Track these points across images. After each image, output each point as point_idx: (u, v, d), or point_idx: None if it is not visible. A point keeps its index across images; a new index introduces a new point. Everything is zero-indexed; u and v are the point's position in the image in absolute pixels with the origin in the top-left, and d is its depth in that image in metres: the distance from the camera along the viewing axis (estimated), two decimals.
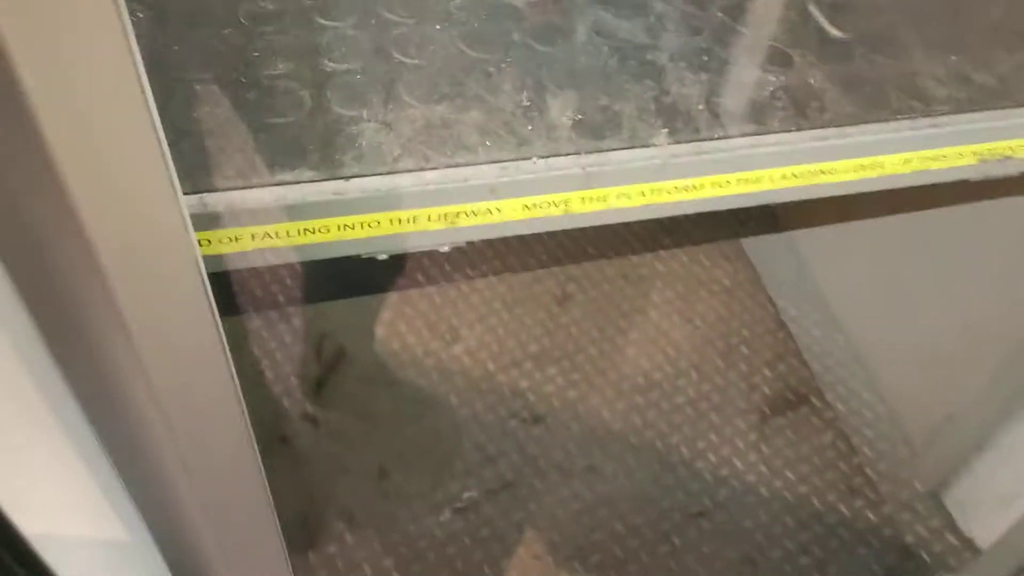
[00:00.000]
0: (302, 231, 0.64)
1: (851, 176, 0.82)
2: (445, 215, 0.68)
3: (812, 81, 0.85)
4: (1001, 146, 0.86)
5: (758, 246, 1.87)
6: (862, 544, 1.47)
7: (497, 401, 1.62)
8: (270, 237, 0.61)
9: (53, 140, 0.27)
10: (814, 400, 1.64)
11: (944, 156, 0.83)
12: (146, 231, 0.32)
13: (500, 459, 1.55)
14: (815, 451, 1.57)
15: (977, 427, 1.41)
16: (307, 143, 0.69)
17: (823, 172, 0.80)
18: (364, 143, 0.70)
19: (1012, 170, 0.88)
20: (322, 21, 0.83)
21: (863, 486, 1.53)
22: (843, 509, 1.50)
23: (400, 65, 0.79)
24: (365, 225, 0.65)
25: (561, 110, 0.77)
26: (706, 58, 0.86)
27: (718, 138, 0.76)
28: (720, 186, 0.77)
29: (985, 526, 1.42)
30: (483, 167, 0.69)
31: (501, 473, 1.53)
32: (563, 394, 1.63)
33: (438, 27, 0.83)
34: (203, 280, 0.35)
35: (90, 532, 0.45)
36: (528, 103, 0.77)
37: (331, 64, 0.79)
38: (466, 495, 1.51)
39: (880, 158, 0.83)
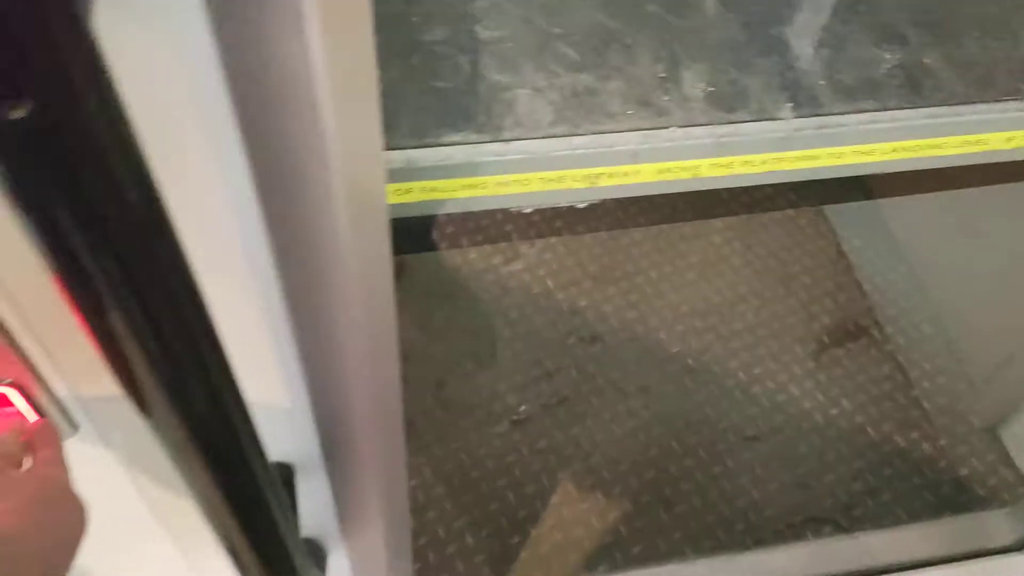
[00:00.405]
0: (464, 187, 0.71)
1: (956, 151, 0.85)
2: (587, 176, 0.75)
3: (927, 60, 0.89)
4: None
5: None
6: (916, 474, 1.48)
7: (556, 318, 1.63)
8: (436, 191, 0.70)
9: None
10: (873, 332, 1.64)
11: None
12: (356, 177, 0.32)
13: (557, 375, 1.57)
14: (872, 382, 1.57)
15: None
16: (469, 108, 0.75)
17: (931, 147, 0.84)
18: (519, 108, 0.76)
19: None
20: None
21: (919, 419, 1.53)
22: (898, 440, 1.51)
23: (547, 33, 0.83)
24: (518, 183, 0.73)
25: (694, 82, 0.82)
26: (827, 34, 0.89)
27: (838, 113, 0.80)
28: (836, 157, 0.81)
29: None
30: (628, 134, 0.75)
31: (558, 388, 1.55)
32: (621, 314, 1.64)
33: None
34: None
35: (263, 398, 0.46)
36: (664, 74, 0.81)
37: (484, 31, 0.83)
38: (523, 408, 1.53)
39: (986, 135, 0.85)
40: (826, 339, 1.61)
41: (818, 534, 1.41)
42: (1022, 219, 1.41)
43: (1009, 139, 0.86)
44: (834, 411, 1.53)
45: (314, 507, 0.58)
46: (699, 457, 1.48)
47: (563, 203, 0.77)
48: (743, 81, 0.82)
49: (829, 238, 1.77)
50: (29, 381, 0.41)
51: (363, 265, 0.40)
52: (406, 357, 1.69)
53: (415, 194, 0.69)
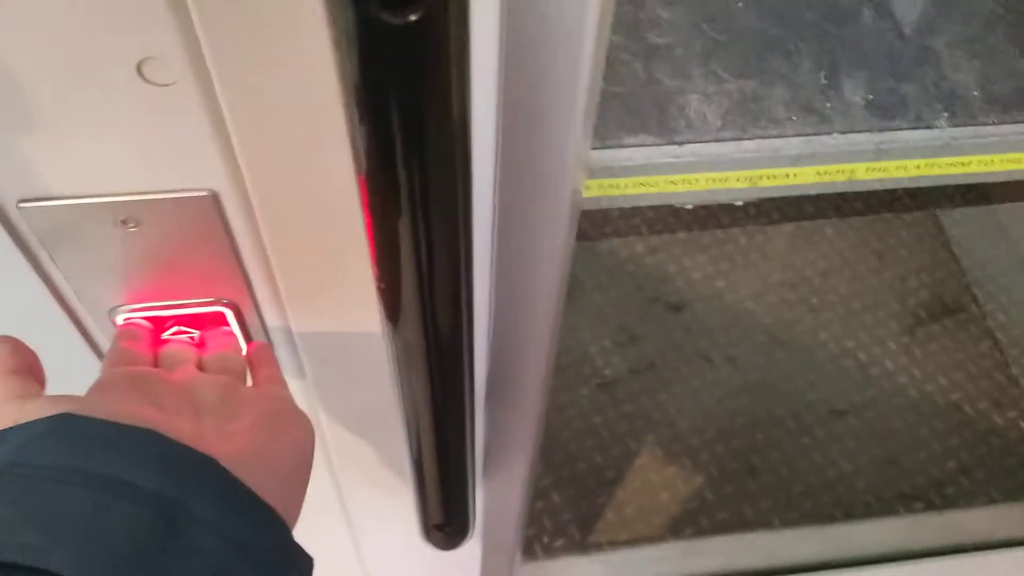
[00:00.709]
0: (637, 184, 0.78)
1: None
2: (750, 177, 0.80)
3: None
4: None
5: None
6: (1011, 454, 1.45)
7: (644, 283, 1.62)
8: (613, 188, 0.77)
9: None
10: (971, 307, 1.60)
11: None
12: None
13: (645, 340, 1.57)
14: (969, 359, 1.54)
15: None
16: (644, 112, 0.82)
17: None
18: (690, 113, 0.82)
19: None
20: None
21: (1018, 398, 1.50)
22: (995, 418, 1.48)
23: (712, 40, 0.88)
24: (686, 182, 0.80)
25: (854, 89, 0.86)
26: (979, 45, 0.92)
27: (992, 123, 0.84)
28: (985, 164, 0.86)
29: None
30: (791, 139, 0.80)
31: (645, 354, 1.55)
32: (711, 282, 1.62)
33: (740, 4, 0.91)
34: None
35: None
36: (825, 81, 0.86)
37: (656, 38, 0.89)
38: (608, 371, 1.54)
39: None
40: (922, 313, 1.58)
41: (909, 510, 1.39)
42: None
43: None
44: (929, 387, 1.50)
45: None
46: (787, 428, 1.47)
47: (724, 200, 0.82)
48: (900, 90, 0.86)
49: (927, 210, 1.72)
50: (246, 304, 0.43)
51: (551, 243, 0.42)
52: None
53: (593, 190, 0.77)
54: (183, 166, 0.37)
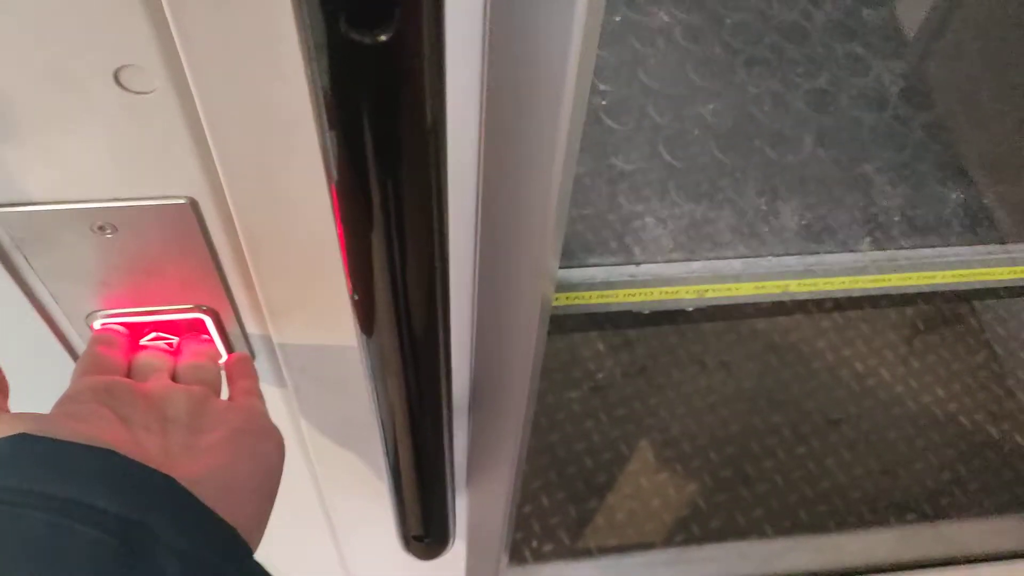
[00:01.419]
0: (599, 296, 0.90)
1: (1002, 277, 1.03)
2: (698, 290, 0.94)
3: (985, 201, 1.03)
4: None
5: None
6: (1007, 467, 1.44)
7: None
8: (578, 299, 0.88)
9: None
10: (970, 319, 1.59)
11: None
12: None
13: (638, 344, 1.56)
14: (967, 370, 1.53)
15: None
16: (606, 234, 0.93)
17: (984, 275, 1.01)
18: (645, 236, 0.93)
19: None
20: (609, 123, 1.02)
21: (1015, 410, 1.49)
22: (991, 431, 1.47)
23: (670, 166, 0.99)
24: (642, 294, 0.91)
25: (790, 216, 0.97)
26: (906, 172, 1.02)
27: (909, 248, 0.96)
28: (903, 280, 0.98)
29: None
30: (732, 261, 0.93)
31: (638, 358, 1.55)
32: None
33: (697, 132, 1.01)
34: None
35: None
36: (765, 208, 0.96)
37: (618, 163, 1.00)
38: (602, 375, 1.53)
39: None
40: (920, 324, 1.57)
41: (901, 521, 1.39)
42: None
43: None
44: (926, 398, 1.50)
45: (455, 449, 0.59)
46: (782, 436, 1.47)
47: (675, 308, 0.93)
48: (830, 216, 0.96)
49: None
50: (225, 311, 0.42)
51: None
52: None
53: (561, 301, 0.88)
54: (161, 173, 0.36)
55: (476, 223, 0.39)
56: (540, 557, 1.36)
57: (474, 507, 0.69)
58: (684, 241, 0.93)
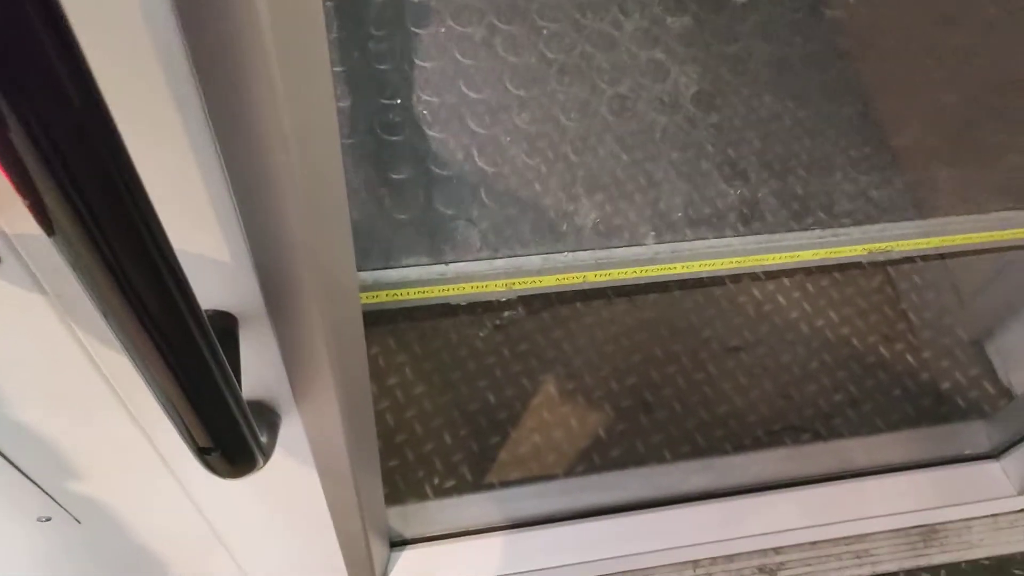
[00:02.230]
0: (416, 293, 1.06)
1: (775, 262, 1.20)
2: (505, 284, 1.09)
3: (759, 195, 1.19)
4: (882, 246, 1.27)
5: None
6: (898, 386, 1.47)
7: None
8: (397, 296, 1.02)
9: None
10: (935, 160, 1.60)
11: (840, 252, 1.22)
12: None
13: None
14: (861, 294, 1.55)
15: None
16: (421, 237, 1.07)
17: (757, 261, 1.20)
18: (457, 236, 1.08)
19: (893, 257, 1.28)
20: (429, 132, 1.14)
21: (906, 331, 1.52)
22: (883, 352, 1.50)
23: (481, 171, 1.12)
24: (455, 289, 1.07)
25: (586, 214, 1.13)
26: (690, 171, 1.18)
27: (688, 240, 1.13)
28: (685, 267, 1.15)
29: None
30: (533, 258, 1.08)
31: (543, 293, 1.53)
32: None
33: (508, 139, 1.15)
34: None
35: (195, 242, 0.43)
36: (565, 206, 1.12)
37: (435, 169, 1.12)
38: (508, 313, 1.52)
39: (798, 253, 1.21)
40: (875, 166, 1.58)
41: (796, 441, 1.41)
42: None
43: (815, 254, 1.23)
44: (820, 322, 1.52)
45: (262, 365, 0.57)
46: (681, 364, 1.48)
47: (488, 299, 1.07)
48: (621, 214, 1.11)
49: None
50: None
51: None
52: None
53: (381, 298, 1.03)
54: None
55: None
56: (441, 493, 1.35)
57: (311, 426, 0.66)
58: (491, 242, 1.04)
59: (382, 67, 1.13)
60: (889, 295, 1.57)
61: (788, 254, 1.09)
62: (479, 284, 1.00)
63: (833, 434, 1.41)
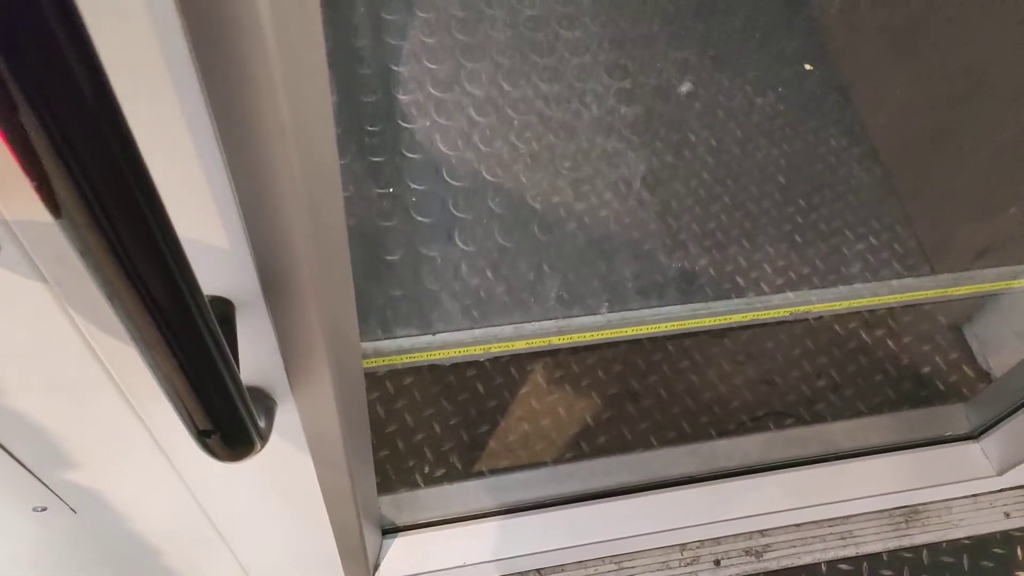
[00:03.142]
0: (408, 358, 1.22)
1: (709, 324, 1.35)
2: (483, 348, 1.23)
3: (699, 269, 1.35)
4: (801, 308, 1.39)
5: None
6: (879, 371, 1.50)
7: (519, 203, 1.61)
8: (392, 361, 1.21)
9: None
10: (846, 232, 1.63)
11: (771, 312, 1.38)
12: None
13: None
14: (841, 280, 1.58)
15: (1009, 261, 1.40)
16: (412, 310, 1.23)
17: (695, 323, 1.35)
18: (442, 308, 1.24)
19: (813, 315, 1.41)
20: (417, 217, 1.30)
21: (886, 316, 1.55)
22: (864, 337, 1.53)
23: (462, 251, 1.28)
24: (441, 354, 1.23)
25: (550, 288, 1.28)
26: (638, 247, 1.32)
27: (634, 309, 1.29)
28: (635, 331, 1.30)
29: (1003, 360, 1.44)
30: (505, 327, 1.25)
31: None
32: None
33: (484, 221, 1.30)
34: None
35: (194, 228, 0.44)
36: (532, 281, 1.27)
37: (423, 249, 1.28)
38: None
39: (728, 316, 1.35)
40: (797, 238, 1.61)
41: (780, 426, 1.43)
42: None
43: (744, 316, 1.38)
44: (802, 308, 1.54)
45: (258, 351, 0.57)
46: (667, 351, 1.50)
47: (469, 360, 1.24)
48: (580, 286, 1.27)
49: None
50: None
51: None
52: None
53: (379, 362, 1.21)
54: None
55: None
56: (432, 482, 1.36)
57: (307, 414, 0.67)
58: (471, 314, 1.21)
59: (376, 159, 1.32)
60: (869, 281, 1.59)
61: (720, 318, 1.26)
62: (461, 350, 1.17)
63: (816, 418, 1.44)
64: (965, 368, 1.51)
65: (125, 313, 0.39)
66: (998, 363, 1.45)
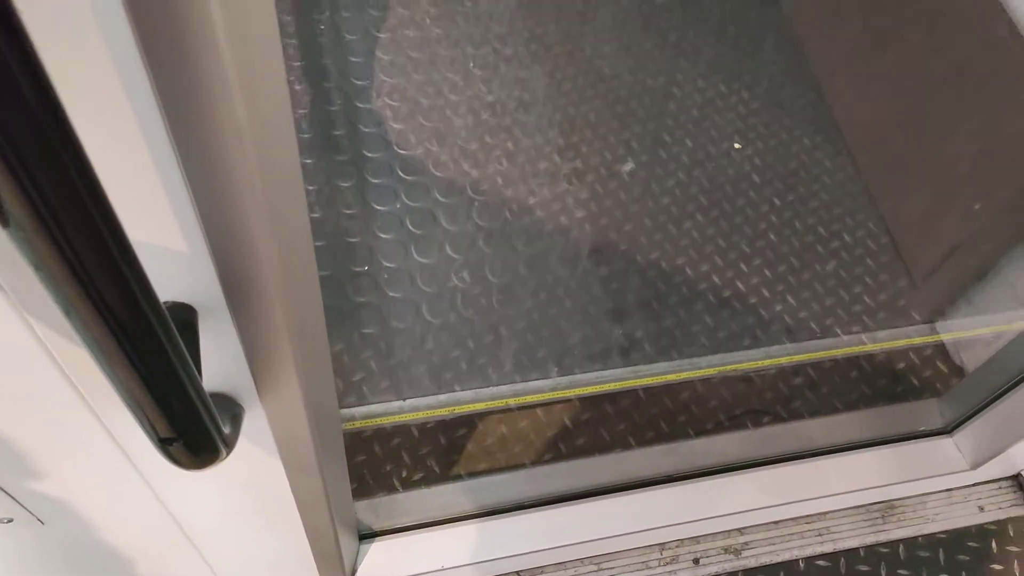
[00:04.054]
0: (382, 420, 1.34)
1: (648, 383, 1.44)
2: (448, 408, 1.36)
3: (640, 334, 1.46)
4: (729, 367, 1.47)
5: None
6: (854, 368, 1.51)
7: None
8: (367, 423, 1.34)
9: None
10: (820, 229, 1.65)
11: (696, 374, 1.45)
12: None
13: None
14: (816, 279, 1.59)
15: (982, 258, 1.42)
16: (383, 379, 1.36)
17: (637, 383, 1.44)
18: (412, 374, 1.37)
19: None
20: (390, 293, 1.44)
21: (861, 314, 1.56)
22: (839, 334, 1.54)
23: (429, 324, 1.41)
24: (412, 415, 1.34)
25: (505, 356, 1.40)
26: (584, 316, 1.45)
27: (578, 373, 1.42)
28: (580, 391, 1.42)
29: (976, 355, 1.46)
30: (466, 392, 1.38)
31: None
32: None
33: (448, 295, 1.43)
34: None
35: (152, 234, 0.44)
36: (491, 348, 1.39)
37: (395, 323, 1.41)
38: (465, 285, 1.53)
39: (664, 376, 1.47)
40: (772, 236, 1.62)
41: (757, 424, 1.44)
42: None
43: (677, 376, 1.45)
44: (778, 307, 1.55)
45: (223, 357, 0.57)
46: (644, 352, 1.50)
47: (435, 420, 1.35)
48: (533, 352, 1.41)
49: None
50: None
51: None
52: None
53: (358, 424, 1.32)
54: None
55: None
56: (410, 486, 1.36)
57: (274, 420, 0.67)
58: (436, 380, 1.35)
59: (352, 240, 1.45)
60: (844, 279, 1.60)
61: (658, 377, 1.41)
62: (430, 412, 1.31)
63: (793, 416, 1.45)
64: (939, 364, 1.52)
65: (78, 320, 0.39)
66: (971, 358, 1.47)
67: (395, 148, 1.59)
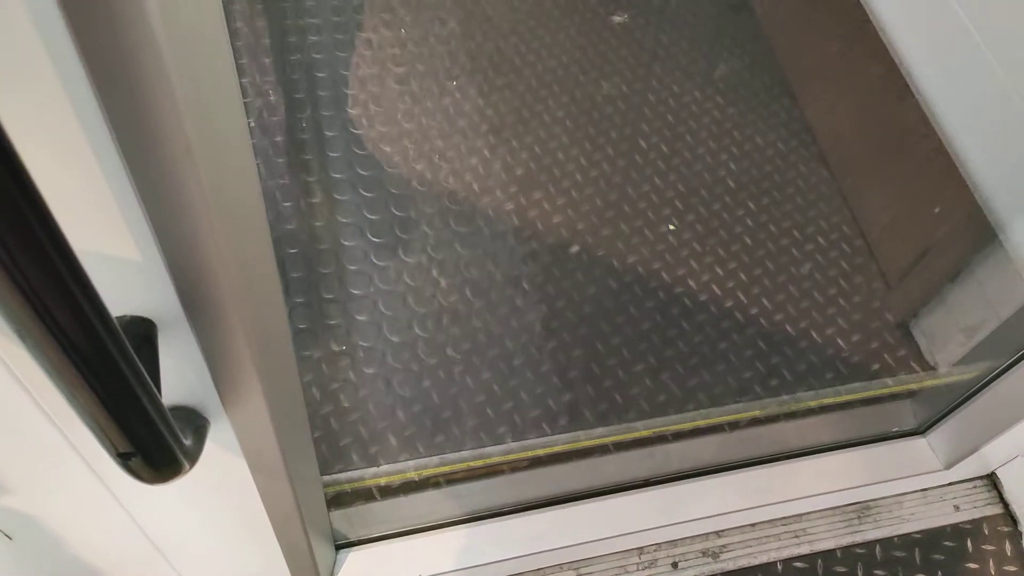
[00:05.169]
0: (353, 484, 1.36)
1: (584, 444, 1.42)
2: (417, 473, 1.37)
3: (578, 402, 1.45)
4: (663, 429, 1.45)
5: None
6: (829, 369, 1.52)
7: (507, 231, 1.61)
8: (347, 487, 1.36)
9: None
10: (795, 233, 1.66)
11: (631, 435, 1.44)
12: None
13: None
14: (791, 280, 1.60)
15: (953, 259, 1.43)
16: (355, 447, 1.39)
17: (572, 446, 1.43)
18: (385, 441, 1.39)
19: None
20: (366, 371, 1.45)
21: (835, 316, 1.57)
22: (814, 336, 1.55)
23: (399, 396, 1.43)
24: (386, 480, 1.36)
25: (468, 417, 1.41)
26: (533, 385, 1.45)
27: (532, 438, 1.42)
28: (530, 453, 1.40)
29: (950, 355, 1.47)
30: (432, 458, 1.38)
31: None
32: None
33: (416, 368, 1.45)
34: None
35: (106, 249, 0.44)
36: (455, 418, 1.41)
37: (363, 392, 1.43)
38: (453, 298, 1.53)
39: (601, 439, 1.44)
40: (747, 240, 1.63)
41: (732, 427, 1.45)
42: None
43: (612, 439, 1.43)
44: (753, 310, 1.56)
45: (185, 370, 0.57)
46: (622, 356, 1.51)
47: (411, 479, 1.36)
48: (489, 418, 1.41)
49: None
50: None
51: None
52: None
53: (332, 488, 1.34)
54: None
55: None
56: (388, 493, 1.35)
57: (241, 431, 0.67)
58: (408, 444, 1.39)
59: (332, 322, 1.49)
60: (819, 281, 1.62)
61: (595, 440, 1.43)
62: (400, 475, 1.37)
63: (768, 418, 1.46)
64: (913, 365, 1.53)
65: (27, 337, 0.39)
66: (944, 359, 1.49)
67: (367, 236, 1.62)
